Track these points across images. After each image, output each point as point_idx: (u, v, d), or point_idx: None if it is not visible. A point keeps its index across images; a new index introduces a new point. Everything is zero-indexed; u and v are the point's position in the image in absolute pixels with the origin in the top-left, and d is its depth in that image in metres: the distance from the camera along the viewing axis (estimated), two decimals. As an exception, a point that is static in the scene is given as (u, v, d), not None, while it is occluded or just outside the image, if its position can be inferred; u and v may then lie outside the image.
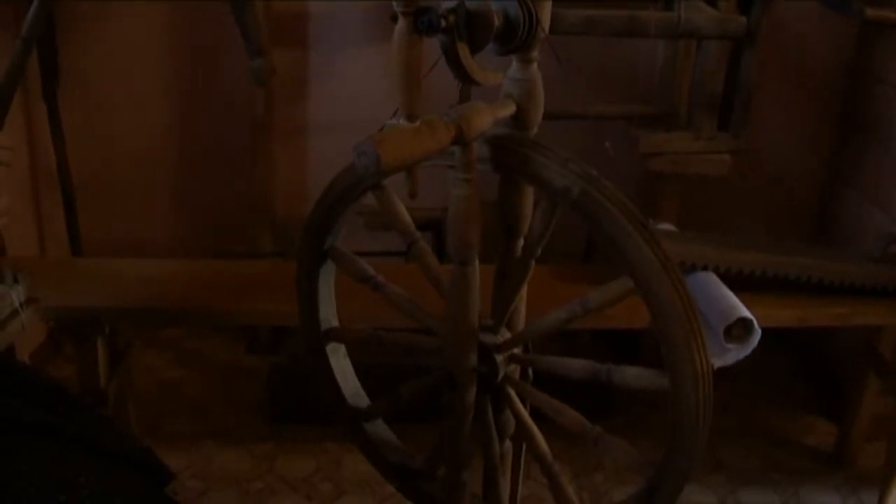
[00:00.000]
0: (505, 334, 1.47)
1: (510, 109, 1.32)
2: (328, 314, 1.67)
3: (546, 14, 1.30)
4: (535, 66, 1.33)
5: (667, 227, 2.32)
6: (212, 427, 2.59)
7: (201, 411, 2.67)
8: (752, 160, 2.69)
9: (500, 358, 1.44)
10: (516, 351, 1.47)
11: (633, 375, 1.36)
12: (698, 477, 2.34)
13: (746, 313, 1.91)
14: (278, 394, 2.62)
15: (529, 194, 1.39)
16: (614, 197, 1.24)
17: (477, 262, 1.34)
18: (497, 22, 1.22)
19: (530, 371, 1.57)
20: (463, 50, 1.19)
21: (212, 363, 2.93)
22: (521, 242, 1.42)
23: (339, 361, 1.72)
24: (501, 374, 1.45)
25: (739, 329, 1.91)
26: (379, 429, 1.75)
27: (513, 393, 1.50)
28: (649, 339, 2.27)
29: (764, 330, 1.92)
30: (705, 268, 2.08)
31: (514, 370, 1.51)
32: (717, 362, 1.90)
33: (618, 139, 2.46)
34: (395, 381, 1.63)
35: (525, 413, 1.51)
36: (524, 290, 1.47)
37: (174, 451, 2.40)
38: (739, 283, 2.05)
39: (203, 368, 2.90)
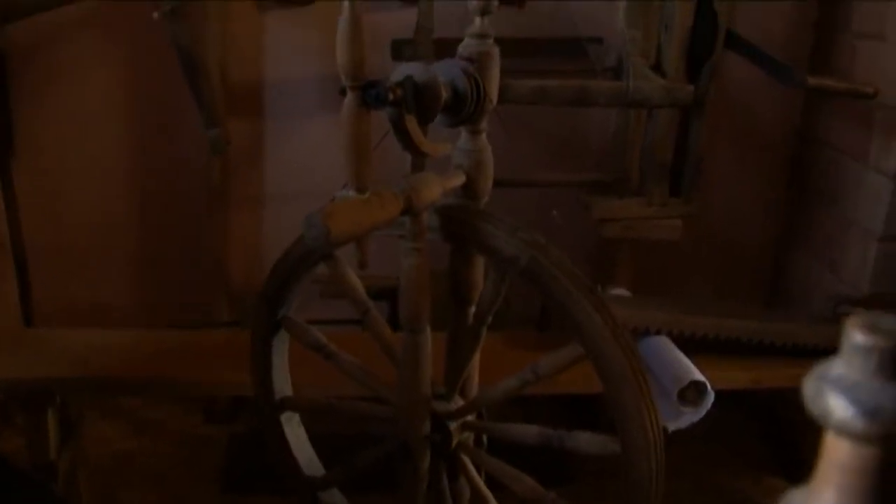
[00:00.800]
0: (458, 402, 1.48)
1: (460, 180, 1.34)
2: (282, 383, 1.67)
3: (493, 86, 1.33)
4: (483, 136, 1.36)
5: (620, 291, 2.34)
6: (168, 497, 2.55)
7: (157, 481, 2.63)
8: (704, 224, 2.73)
9: (453, 425, 1.44)
10: (470, 418, 1.48)
11: (585, 441, 1.37)
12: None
13: (699, 376, 1.93)
14: (236, 463, 2.59)
15: (479, 263, 1.40)
16: (562, 264, 1.26)
17: (428, 330, 1.35)
18: (445, 94, 1.24)
19: (485, 438, 1.57)
20: (411, 122, 1.21)
21: (168, 433, 2.89)
22: (472, 310, 1.43)
23: (294, 430, 1.72)
24: (455, 442, 1.46)
25: (693, 392, 1.93)
26: (335, 499, 1.74)
27: (467, 460, 1.50)
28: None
29: (718, 392, 1.94)
30: (658, 332, 2.10)
31: (468, 438, 1.51)
32: (672, 425, 1.91)
33: (570, 207, 2.49)
34: (351, 450, 1.63)
35: (479, 481, 1.52)
36: (476, 358, 1.48)
37: (129, 523, 2.37)
38: (693, 346, 2.07)
39: (159, 438, 2.86)
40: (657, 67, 2.32)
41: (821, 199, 2.69)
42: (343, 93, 1.19)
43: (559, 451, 2.30)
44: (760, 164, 2.93)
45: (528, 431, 1.42)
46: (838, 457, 0.45)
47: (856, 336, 0.43)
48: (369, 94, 1.16)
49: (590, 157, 2.65)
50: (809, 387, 0.44)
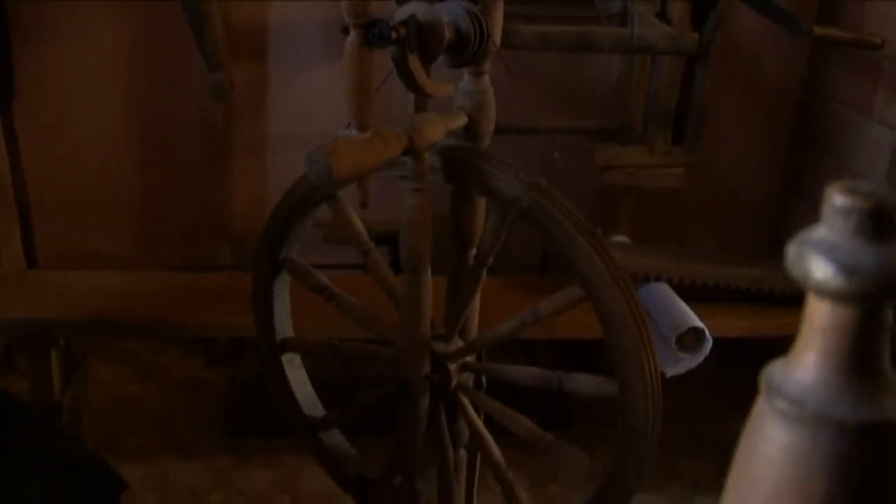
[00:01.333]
0: (458, 343, 1.48)
1: (462, 121, 1.34)
2: (283, 325, 1.68)
3: (497, 28, 1.32)
4: (486, 78, 1.35)
5: (621, 239, 2.35)
6: (169, 441, 2.58)
7: (158, 425, 2.66)
8: (706, 173, 2.73)
9: (452, 366, 1.45)
10: (469, 359, 1.49)
11: (583, 382, 1.38)
12: (654, 485, 2.36)
13: (698, 322, 1.94)
14: (237, 407, 2.61)
15: (481, 205, 1.41)
16: (563, 207, 1.27)
17: (429, 271, 1.35)
18: (448, 34, 1.24)
19: (484, 381, 1.58)
20: (414, 62, 1.21)
21: (170, 377, 2.92)
22: (473, 252, 1.44)
23: (295, 372, 1.73)
24: (454, 383, 1.47)
25: (691, 338, 1.94)
26: (336, 440, 1.76)
27: (466, 401, 1.51)
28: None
29: (717, 340, 1.95)
30: (658, 279, 2.11)
31: (468, 379, 1.53)
32: (670, 371, 1.93)
33: (574, 154, 2.49)
34: (352, 393, 1.64)
35: (478, 421, 1.53)
36: (476, 300, 1.49)
37: (131, 464, 2.38)
38: (692, 293, 2.08)
39: (161, 382, 2.89)
40: (662, 15, 2.31)
41: (824, 150, 2.69)
42: (346, 31, 1.18)
43: (559, 398, 2.33)
44: (765, 114, 2.93)
45: (527, 373, 1.43)
46: (819, 320, 0.45)
47: (836, 199, 0.44)
48: (372, 32, 1.16)
49: (593, 104, 2.64)
50: (791, 251, 0.45)
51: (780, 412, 0.46)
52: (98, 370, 2.85)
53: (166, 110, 2.84)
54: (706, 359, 1.96)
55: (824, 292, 0.44)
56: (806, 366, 0.46)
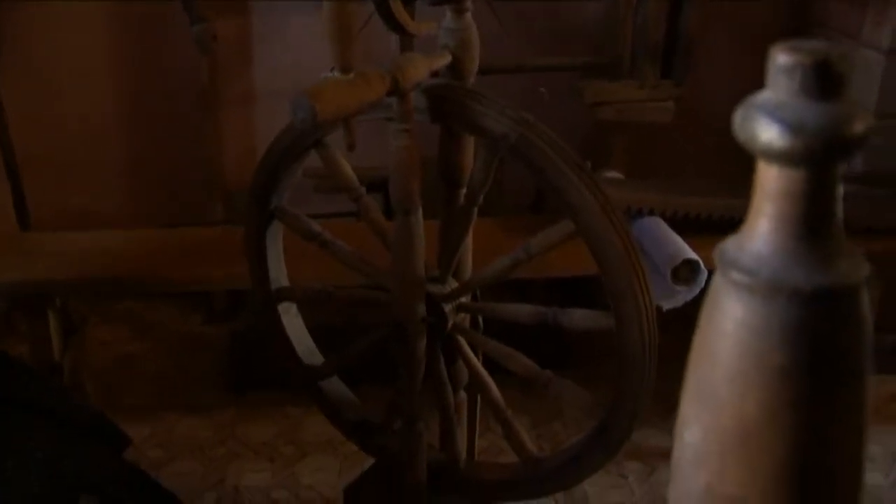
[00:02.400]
0: (452, 284, 1.48)
1: (446, 60, 1.33)
2: (278, 274, 1.68)
3: (477, -38, 1.31)
4: (468, 15, 1.34)
5: (613, 174, 2.34)
6: (171, 397, 2.59)
7: (160, 382, 2.67)
8: (697, 106, 2.71)
9: (448, 307, 1.45)
10: (464, 300, 1.49)
11: (578, 317, 1.38)
12: (655, 421, 2.37)
13: (692, 255, 1.94)
14: (237, 361, 2.62)
15: (469, 143, 1.40)
16: (552, 141, 1.26)
17: (420, 211, 1.35)
18: (428, -29, 1.22)
19: (480, 321, 1.59)
20: (395, 2, 1.19)
21: (169, 334, 2.92)
22: (463, 192, 1.43)
23: (292, 321, 1.73)
24: (450, 323, 1.47)
25: (686, 271, 1.94)
26: (336, 387, 1.76)
27: (463, 342, 1.52)
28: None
29: (712, 272, 1.95)
30: (651, 212, 2.10)
31: (464, 319, 1.53)
32: (666, 304, 1.93)
33: (563, 91, 2.47)
34: (350, 341, 1.65)
35: (476, 361, 1.53)
36: (469, 240, 1.49)
37: (135, 422, 2.40)
38: (686, 226, 2.08)
39: (160, 340, 2.90)
40: (647, -54, 2.28)
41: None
42: (325, -28, 1.17)
43: (556, 337, 2.34)
44: (753, 44, 2.89)
45: (523, 310, 1.44)
46: (768, 185, 0.44)
47: (780, 57, 0.43)
48: (351, -29, 1.15)
49: (580, 40, 2.62)
50: (738, 115, 0.44)
51: (735, 284, 0.45)
52: (98, 330, 2.86)
53: (153, 67, 2.82)
54: (702, 291, 1.97)
55: (771, 154, 0.43)
56: (758, 234, 0.45)
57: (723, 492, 0.49)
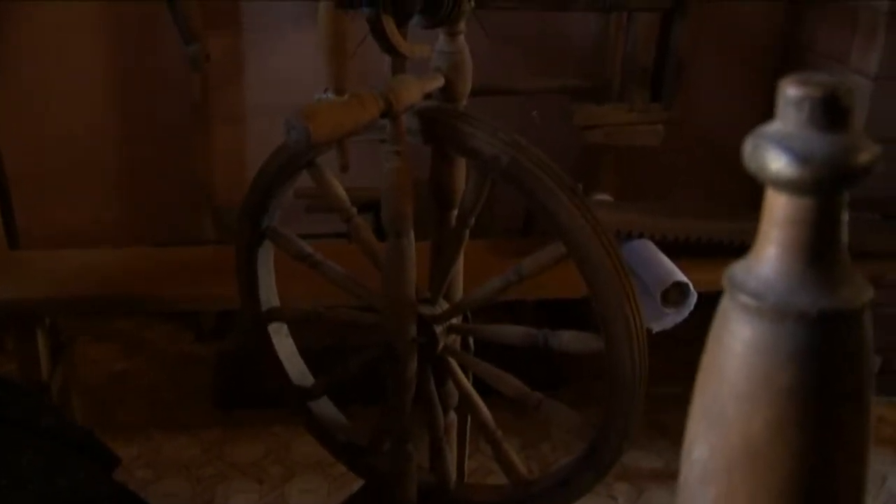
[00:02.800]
0: (443, 305, 1.49)
1: (439, 82, 1.34)
2: (269, 294, 1.68)
3: (471, -14, 1.32)
4: (461, 38, 1.35)
5: (603, 197, 2.35)
6: (161, 416, 2.58)
7: (150, 401, 2.66)
8: (687, 129, 2.73)
9: (438, 328, 1.45)
10: (455, 321, 1.49)
11: (569, 339, 1.38)
12: (644, 443, 2.37)
13: (682, 277, 1.94)
14: (226, 380, 2.62)
15: (461, 165, 1.41)
16: (543, 164, 1.27)
17: (412, 233, 1.35)
18: (421, -6, 1.23)
19: (471, 343, 1.59)
20: (388, 23, 1.20)
21: (160, 353, 2.92)
22: (454, 214, 1.44)
23: (282, 341, 1.73)
24: (441, 345, 1.47)
25: (676, 293, 1.95)
26: (326, 408, 1.76)
27: (454, 363, 1.52)
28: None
29: (702, 295, 1.96)
30: (641, 235, 2.11)
31: (455, 341, 1.53)
32: (656, 327, 1.94)
33: (554, 114, 2.49)
34: (341, 362, 1.65)
35: (467, 383, 1.54)
36: (460, 262, 1.49)
37: (123, 441, 2.40)
38: (676, 249, 2.09)
39: (151, 359, 2.89)
40: (637, -29, 2.30)
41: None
42: (319, -6, 1.18)
43: (547, 359, 2.34)
44: (743, 69, 2.93)
45: (513, 331, 1.44)
46: (777, 212, 0.46)
47: (789, 90, 0.45)
48: (345, -6, 1.16)
49: (570, 63, 2.64)
50: (748, 145, 0.46)
51: (744, 306, 0.47)
52: (88, 349, 2.86)
53: (144, 83, 2.83)
54: (691, 314, 1.97)
55: (780, 183, 0.45)
56: (766, 259, 0.47)
57: (730, 509, 0.50)
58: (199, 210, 2.84)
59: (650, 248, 2.09)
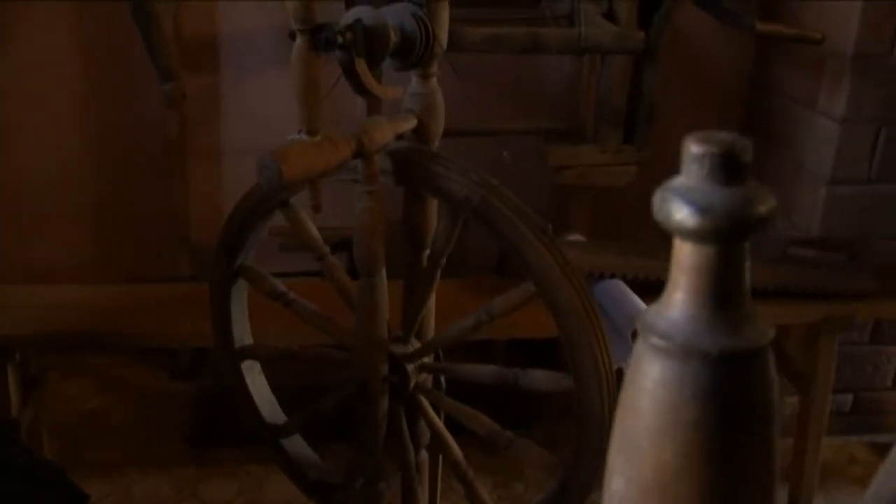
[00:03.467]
0: (415, 344, 1.50)
1: (411, 124, 1.36)
2: (242, 332, 1.69)
3: (443, 30, 1.34)
4: (434, 80, 1.37)
5: (576, 237, 2.37)
6: (133, 454, 2.57)
7: (122, 439, 2.65)
8: (659, 170, 2.75)
9: (410, 367, 1.47)
10: (427, 360, 1.50)
11: (539, 378, 1.40)
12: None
13: (653, 318, 1.96)
14: (200, 417, 2.61)
15: (433, 206, 1.43)
16: (513, 204, 1.29)
17: (384, 272, 1.37)
18: (394, 38, 1.26)
19: (443, 381, 1.60)
20: (361, 65, 1.23)
21: (133, 390, 2.91)
22: (426, 254, 1.45)
23: (255, 379, 1.73)
24: (413, 383, 1.48)
25: (646, 333, 1.96)
26: (298, 446, 1.77)
27: (425, 402, 1.53)
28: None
29: (672, 334, 1.97)
30: (612, 276, 2.13)
31: (426, 380, 1.54)
32: (626, 366, 1.95)
33: (528, 154, 2.52)
34: (312, 401, 1.65)
35: (438, 421, 1.54)
36: (432, 301, 1.51)
37: (95, 479, 2.38)
38: (647, 289, 2.11)
39: (125, 396, 2.88)
40: (609, 15, 2.34)
41: (772, 144, 2.73)
42: (293, 37, 1.20)
43: (518, 398, 2.35)
44: (714, 110, 2.97)
45: (484, 370, 1.45)
46: (683, 260, 0.50)
47: (692, 147, 0.48)
48: (319, 37, 1.18)
49: (544, 105, 2.67)
50: (656, 198, 0.49)
51: (654, 347, 0.51)
52: (61, 385, 2.84)
53: (120, 120, 2.84)
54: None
55: (684, 233, 0.48)
56: (674, 303, 0.50)
57: (644, 537, 0.53)
58: (175, 247, 2.84)
59: (621, 288, 2.10)
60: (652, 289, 2.12)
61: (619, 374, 1.38)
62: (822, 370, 2.31)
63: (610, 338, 1.34)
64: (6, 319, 2.12)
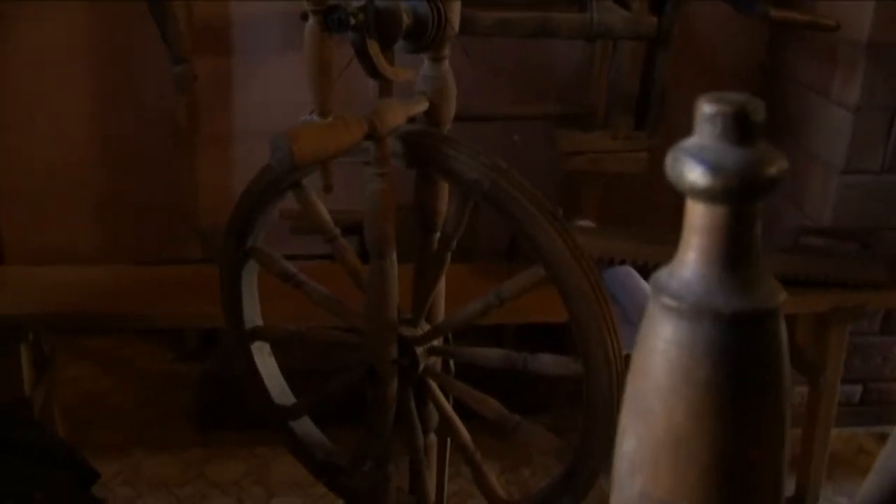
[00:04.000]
0: (424, 327, 1.50)
1: (423, 106, 1.36)
2: (252, 314, 1.69)
3: (455, 13, 1.34)
4: (446, 63, 1.37)
5: (586, 223, 2.37)
6: (140, 435, 2.58)
7: (130, 419, 2.66)
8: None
9: (419, 350, 1.47)
10: (436, 343, 1.50)
11: (548, 362, 1.40)
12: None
13: (662, 304, 1.96)
14: (207, 399, 2.62)
15: (443, 189, 1.42)
16: (524, 188, 1.28)
17: (394, 255, 1.37)
18: (406, 20, 1.25)
19: (452, 365, 1.60)
20: (373, 47, 1.22)
21: (140, 372, 2.92)
22: (437, 237, 1.45)
23: (265, 360, 1.74)
24: (422, 366, 1.48)
25: (656, 320, 1.96)
26: (306, 428, 1.77)
27: (434, 385, 1.53)
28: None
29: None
30: (623, 262, 2.13)
31: (435, 363, 1.54)
32: (635, 352, 1.95)
33: (538, 139, 2.51)
34: (322, 383, 1.66)
35: (447, 404, 1.55)
36: (442, 284, 1.50)
37: (103, 459, 2.39)
38: (657, 276, 2.10)
39: (131, 377, 2.89)
40: (622, 0, 2.33)
41: (785, 133, 2.72)
42: (305, 18, 1.20)
43: (528, 383, 2.35)
44: (726, 98, 2.95)
45: (493, 354, 1.45)
46: (695, 220, 0.50)
47: (704, 106, 0.48)
48: (331, 18, 1.17)
49: (555, 90, 2.66)
50: (668, 158, 0.49)
51: (666, 307, 0.51)
52: (68, 367, 2.85)
53: (130, 104, 2.84)
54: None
55: (696, 193, 0.48)
56: (687, 264, 0.51)
57: (656, 497, 0.53)
58: (185, 231, 2.84)
59: (631, 274, 2.10)
60: (662, 275, 2.12)
61: (628, 360, 1.38)
62: (831, 360, 2.30)
63: (619, 324, 1.33)
64: (19, 300, 2.13)
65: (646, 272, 2.12)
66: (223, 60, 2.81)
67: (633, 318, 1.98)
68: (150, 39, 2.56)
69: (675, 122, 2.71)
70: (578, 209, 2.55)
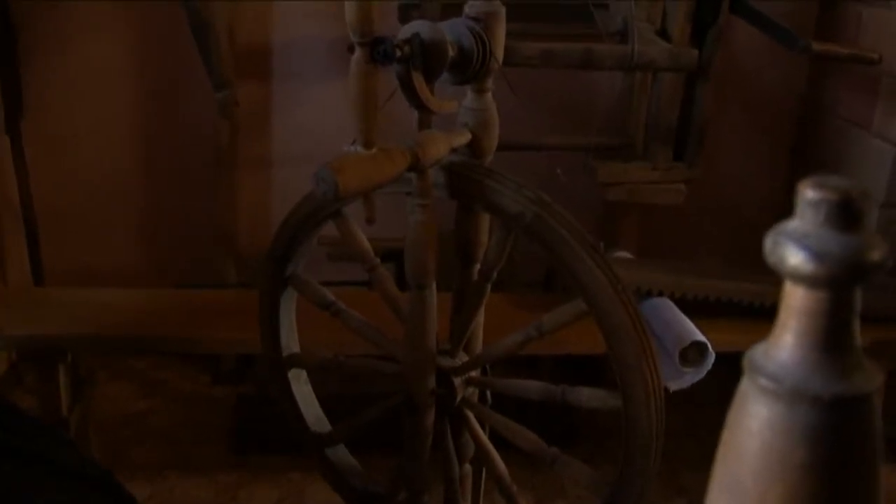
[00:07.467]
0: (463, 358, 1.50)
1: (465, 138, 1.36)
2: (289, 341, 1.70)
3: (499, 45, 1.34)
4: (489, 95, 1.38)
5: (623, 254, 2.36)
6: (176, 457, 2.59)
7: (165, 441, 2.67)
8: (708, 189, 2.74)
9: (457, 381, 1.47)
10: (474, 374, 1.50)
11: (587, 396, 1.39)
12: (657, 500, 2.36)
13: (700, 337, 1.95)
14: (243, 423, 2.62)
15: (485, 221, 1.43)
16: (566, 221, 1.28)
17: (434, 286, 1.37)
18: (451, 52, 1.26)
19: (489, 395, 1.60)
20: (418, 79, 1.23)
21: (177, 394, 2.93)
22: (477, 268, 1.45)
23: (301, 387, 1.74)
24: (459, 397, 1.48)
25: (694, 353, 1.95)
26: (341, 455, 1.77)
27: (471, 416, 1.53)
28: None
29: (720, 355, 1.96)
30: (660, 294, 2.12)
31: (473, 394, 1.54)
32: (673, 386, 1.94)
33: (576, 170, 2.51)
34: (358, 410, 1.66)
35: (483, 435, 1.54)
36: (481, 315, 1.50)
37: (138, 480, 2.40)
38: (695, 308, 2.09)
39: (168, 399, 2.90)
40: (663, 32, 2.33)
41: (825, 165, 2.70)
42: (351, 49, 1.21)
43: (564, 414, 2.34)
44: (765, 130, 2.95)
45: (531, 386, 1.45)
46: (794, 303, 0.49)
47: (807, 192, 0.48)
48: (377, 50, 1.18)
49: (595, 121, 2.66)
50: (768, 241, 0.49)
51: (762, 389, 0.50)
52: (105, 387, 2.87)
53: (172, 127, 2.86)
54: (710, 374, 1.97)
55: (798, 277, 0.48)
56: (784, 346, 0.50)
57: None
58: (224, 255, 2.86)
59: (669, 306, 2.09)
60: (700, 308, 2.11)
61: (666, 393, 1.38)
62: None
63: (657, 357, 1.33)
64: (57, 321, 2.15)
65: (683, 304, 2.11)
66: (264, 85, 2.84)
67: (671, 351, 1.97)
68: (194, 62, 2.59)
69: (713, 153, 2.70)
70: (616, 240, 2.54)
